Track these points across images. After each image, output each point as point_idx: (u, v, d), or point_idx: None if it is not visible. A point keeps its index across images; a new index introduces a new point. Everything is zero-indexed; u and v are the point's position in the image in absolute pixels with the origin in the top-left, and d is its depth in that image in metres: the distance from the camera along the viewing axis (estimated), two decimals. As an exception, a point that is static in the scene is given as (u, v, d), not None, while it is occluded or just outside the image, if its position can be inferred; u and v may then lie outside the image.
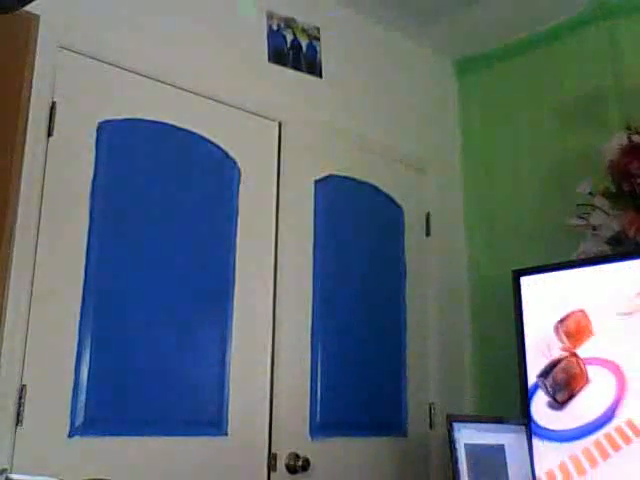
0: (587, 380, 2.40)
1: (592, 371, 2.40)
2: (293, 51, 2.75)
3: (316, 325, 2.60)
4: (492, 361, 3.00)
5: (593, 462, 2.31)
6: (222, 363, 2.33)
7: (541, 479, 2.41)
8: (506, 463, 2.36)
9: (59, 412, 1.98)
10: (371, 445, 2.68)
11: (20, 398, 1.90)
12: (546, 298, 2.58)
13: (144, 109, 2.30)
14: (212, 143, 2.45)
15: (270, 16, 2.70)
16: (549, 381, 2.47)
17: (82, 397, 2.02)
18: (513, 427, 2.45)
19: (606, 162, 2.58)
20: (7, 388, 1.89)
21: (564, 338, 2.48)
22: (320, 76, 2.82)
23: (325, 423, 2.55)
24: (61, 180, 2.08)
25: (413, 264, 3.00)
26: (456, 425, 2.31)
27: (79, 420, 2.01)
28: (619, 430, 2.29)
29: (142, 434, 2.12)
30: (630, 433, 2.27)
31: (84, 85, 2.18)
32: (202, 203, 2.39)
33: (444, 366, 3.00)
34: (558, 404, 2.45)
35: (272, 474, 2.37)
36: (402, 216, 3.02)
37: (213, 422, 2.29)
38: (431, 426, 2.90)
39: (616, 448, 2.28)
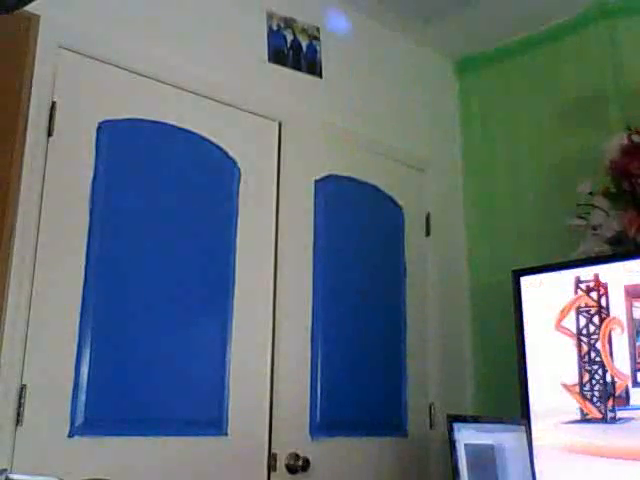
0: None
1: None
2: (293, 51, 2.75)
3: (316, 325, 2.60)
4: (492, 361, 3.00)
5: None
6: (222, 363, 2.33)
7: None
8: (506, 463, 2.35)
9: (59, 412, 1.97)
10: (371, 445, 2.68)
11: (20, 398, 1.90)
12: (546, 298, 2.58)
13: (144, 109, 2.30)
14: (212, 143, 2.45)
15: (270, 16, 2.70)
16: None
17: (82, 397, 2.01)
18: (513, 427, 2.44)
19: (606, 162, 2.58)
20: (7, 388, 1.89)
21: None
22: (320, 76, 2.82)
23: (325, 423, 2.55)
24: (61, 180, 2.08)
25: (413, 264, 3.00)
26: (456, 425, 2.30)
27: (79, 420, 2.00)
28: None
29: (142, 434, 2.12)
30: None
31: (84, 85, 2.18)
32: (202, 203, 2.38)
33: (444, 366, 3.00)
34: None
35: (272, 474, 2.37)
36: (402, 216, 3.02)
37: (213, 422, 2.29)
38: (431, 426, 2.90)
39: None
